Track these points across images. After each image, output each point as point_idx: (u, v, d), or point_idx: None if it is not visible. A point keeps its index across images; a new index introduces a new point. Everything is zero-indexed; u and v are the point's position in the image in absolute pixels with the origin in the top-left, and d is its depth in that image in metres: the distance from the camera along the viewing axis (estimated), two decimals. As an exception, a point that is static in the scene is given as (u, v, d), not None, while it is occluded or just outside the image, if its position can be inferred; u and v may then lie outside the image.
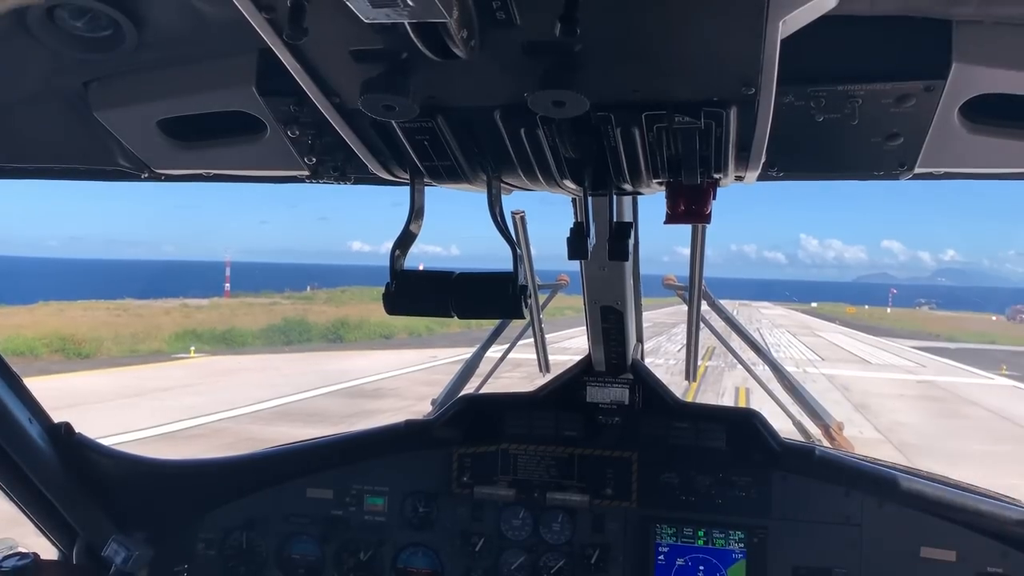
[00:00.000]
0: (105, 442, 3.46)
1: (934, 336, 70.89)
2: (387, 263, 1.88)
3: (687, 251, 3.61)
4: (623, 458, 3.35)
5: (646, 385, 3.40)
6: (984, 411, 26.43)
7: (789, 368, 4.70)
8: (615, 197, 1.89)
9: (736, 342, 4.73)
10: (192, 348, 38.55)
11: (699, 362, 4.49)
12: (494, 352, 4.92)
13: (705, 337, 4.43)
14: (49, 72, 1.97)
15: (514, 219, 3.28)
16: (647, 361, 3.66)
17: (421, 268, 1.98)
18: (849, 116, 1.69)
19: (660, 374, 3.50)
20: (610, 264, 3.06)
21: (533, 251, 3.63)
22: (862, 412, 24.54)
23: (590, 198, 1.91)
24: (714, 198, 1.92)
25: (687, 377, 4.62)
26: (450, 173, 1.88)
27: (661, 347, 40.38)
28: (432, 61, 1.38)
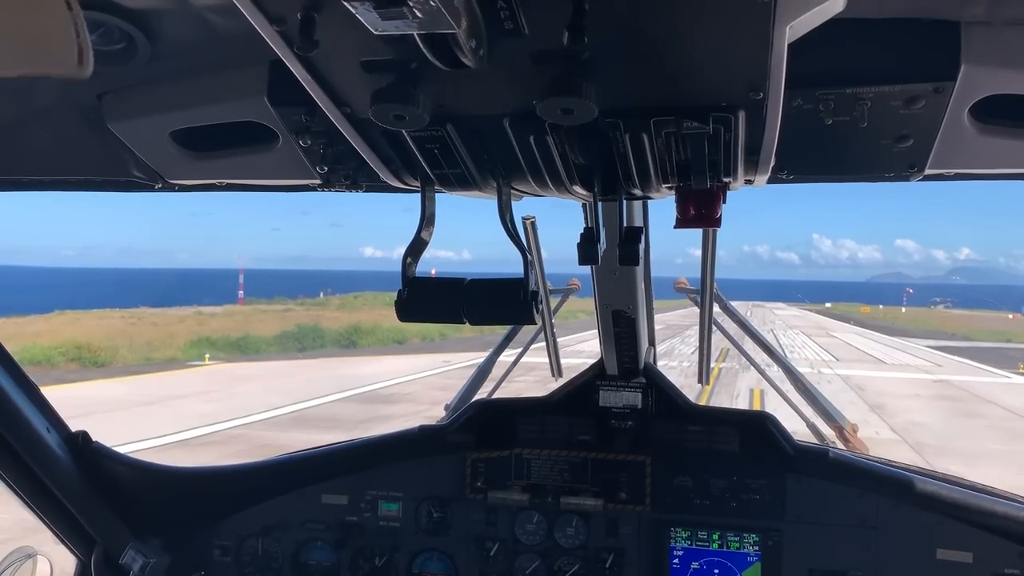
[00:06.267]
0: (122, 450, 3.49)
1: (949, 335, 70.26)
2: (399, 267, 1.89)
3: (700, 253, 3.61)
4: (637, 462, 3.35)
5: (659, 389, 3.40)
6: (1001, 410, 26.18)
7: (803, 369, 4.70)
8: (625, 202, 1.89)
9: (749, 344, 4.72)
10: (206, 355, 38.81)
11: (713, 364, 4.49)
12: (507, 356, 4.93)
13: (719, 339, 4.42)
14: (63, 85, 1.99)
15: (524, 224, 3.28)
16: (660, 364, 3.66)
17: (433, 273, 1.98)
18: (858, 119, 1.68)
19: (674, 376, 3.50)
20: (621, 269, 3.06)
21: (545, 254, 3.64)
22: (877, 412, 24.39)
23: (600, 203, 1.91)
24: (724, 202, 1.91)
25: (700, 380, 4.61)
26: (460, 180, 1.88)
27: (675, 349, 40.28)
28: (441, 71, 1.38)
